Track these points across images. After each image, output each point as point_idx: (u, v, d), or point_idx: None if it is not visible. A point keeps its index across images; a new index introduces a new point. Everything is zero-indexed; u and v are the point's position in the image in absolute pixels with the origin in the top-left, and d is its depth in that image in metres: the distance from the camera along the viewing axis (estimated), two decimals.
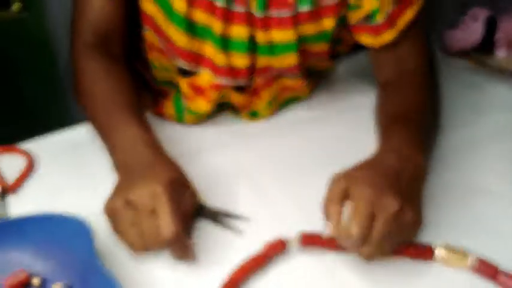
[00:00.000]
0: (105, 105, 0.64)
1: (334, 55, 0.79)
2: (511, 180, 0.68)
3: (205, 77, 0.71)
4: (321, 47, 0.74)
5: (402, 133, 0.61)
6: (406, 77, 0.73)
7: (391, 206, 0.50)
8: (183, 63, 0.70)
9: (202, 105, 0.73)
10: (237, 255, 0.53)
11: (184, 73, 0.72)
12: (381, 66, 0.77)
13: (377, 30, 0.71)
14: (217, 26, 0.66)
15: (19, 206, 0.60)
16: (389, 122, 0.67)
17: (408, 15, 0.70)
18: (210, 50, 0.68)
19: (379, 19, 0.69)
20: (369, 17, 0.70)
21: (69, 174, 0.66)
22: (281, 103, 0.81)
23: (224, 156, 0.69)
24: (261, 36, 0.68)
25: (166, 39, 0.69)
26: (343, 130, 0.76)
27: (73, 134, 0.73)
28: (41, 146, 0.70)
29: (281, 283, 0.53)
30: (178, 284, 0.52)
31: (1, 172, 0.65)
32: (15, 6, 1.19)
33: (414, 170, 0.56)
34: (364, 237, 0.49)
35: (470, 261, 0.54)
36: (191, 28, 0.67)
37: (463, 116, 0.80)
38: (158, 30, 0.69)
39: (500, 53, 0.96)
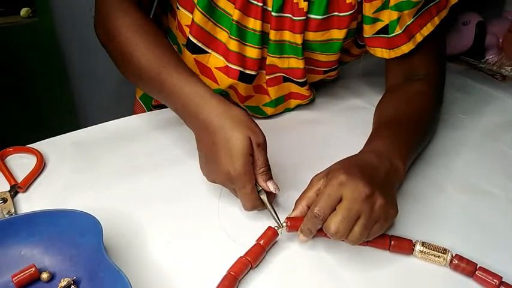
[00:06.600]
0: (157, 64, 0.61)
1: (339, 64, 0.80)
2: (498, 179, 0.70)
3: (214, 59, 0.72)
4: (328, 57, 0.74)
5: (390, 138, 0.62)
6: (414, 84, 0.74)
7: (362, 190, 0.51)
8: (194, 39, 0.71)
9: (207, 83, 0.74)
10: (241, 250, 0.55)
11: (192, 52, 0.73)
12: (391, 71, 0.77)
13: (393, 43, 0.70)
14: (235, 13, 0.67)
15: (29, 203, 0.61)
16: (382, 125, 0.68)
17: (428, 28, 0.69)
18: (223, 35, 0.70)
19: (397, 31, 0.69)
20: (386, 28, 0.70)
21: (78, 173, 0.67)
22: (287, 108, 0.82)
23: None
24: (272, 35, 0.69)
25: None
26: (342, 130, 0.78)
27: (81, 135, 0.74)
28: (50, 146, 0.71)
29: (275, 271, 0.55)
30: (183, 279, 0.53)
31: (12, 171, 0.66)
32: (24, 12, 1.20)
33: (390, 170, 0.58)
34: (324, 214, 0.51)
35: (449, 258, 0.55)
36: (210, 9, 0.68)
37: (453, 117, 0.82)
38: None
39: (491, 57, 0.98)
